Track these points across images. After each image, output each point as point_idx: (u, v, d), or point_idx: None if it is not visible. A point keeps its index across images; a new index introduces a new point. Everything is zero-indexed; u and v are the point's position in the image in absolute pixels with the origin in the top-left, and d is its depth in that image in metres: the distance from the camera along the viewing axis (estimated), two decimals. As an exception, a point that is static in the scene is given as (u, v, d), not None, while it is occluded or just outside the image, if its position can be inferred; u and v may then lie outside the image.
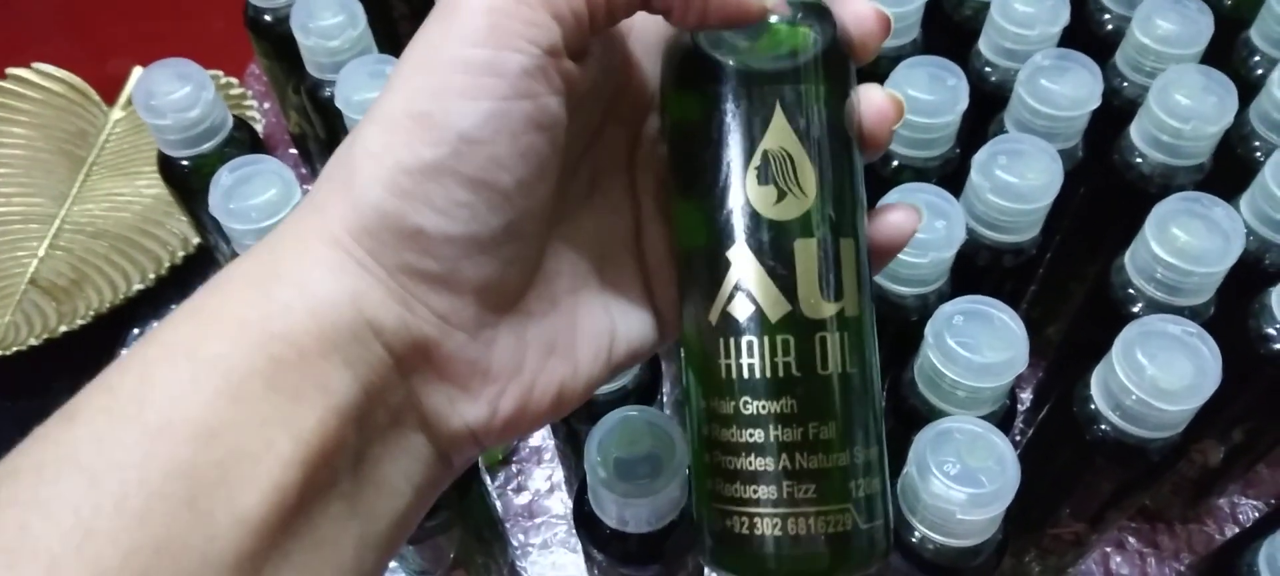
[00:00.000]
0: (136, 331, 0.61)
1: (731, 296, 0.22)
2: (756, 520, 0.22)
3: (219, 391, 0.18)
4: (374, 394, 0.20)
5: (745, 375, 0.22)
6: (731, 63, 0.22)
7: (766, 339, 0.22)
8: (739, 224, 0.22)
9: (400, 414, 0.21)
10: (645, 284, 0.25)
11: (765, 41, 0.22)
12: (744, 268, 0.22)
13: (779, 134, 0.22)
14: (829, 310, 0.22)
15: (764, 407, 0.22)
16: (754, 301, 0.22)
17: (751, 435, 0.22)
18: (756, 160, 0.22)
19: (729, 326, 0.22)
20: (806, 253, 0.22)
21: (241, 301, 0.19)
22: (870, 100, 0.23)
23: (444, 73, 0.20)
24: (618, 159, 0.25)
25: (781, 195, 0.22)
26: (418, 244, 0.20)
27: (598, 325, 0.24)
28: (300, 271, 0.20)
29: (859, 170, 0.23)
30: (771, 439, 0.22)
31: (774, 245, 0.22)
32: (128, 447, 0.17)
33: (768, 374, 0.22)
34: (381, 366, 0.20)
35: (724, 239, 0.22)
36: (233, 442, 0.18)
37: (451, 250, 0.20)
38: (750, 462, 0.22)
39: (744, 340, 0.22)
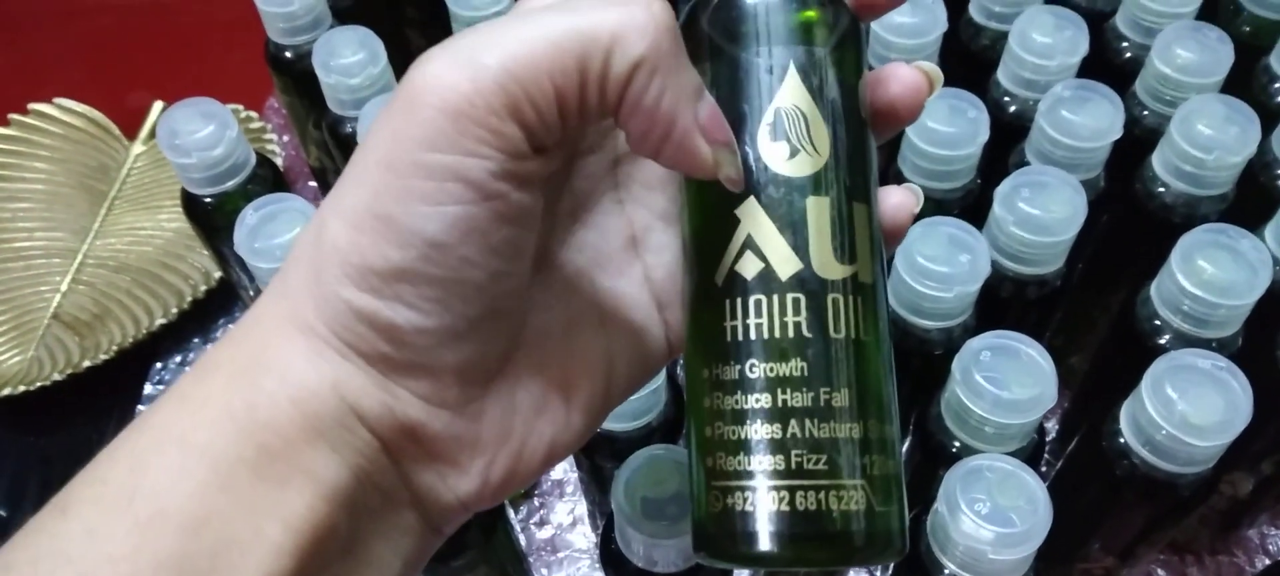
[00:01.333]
0: (159, 365, 0.61)
1: (740, 254, 0.21)
2: (758, 495, 0.20)
3: (207, 481, 0.18)
4: (364, 478, 0.20)
5: (752, 336, 0.21)
6: (745, 21, 0.22)
7: (776, 298, 0.21)
8: (750, 180, 0.21)
9: (392, 495, 0.21)
10: (649, 297, 0.24)
11: (780, 3, 0.22)
12: (754, 223, 0.21)
13: (793, 92, 0.21)
14: (842, 271, 0.21)
15: (772, 370, 0.20)
16: (763, 259, 0.21)
17: (757, 400, 0.20)
18: (769, 117, 0.21)
19: (736, 286, 0.21)
20: (820, 210, 0.21)
21: (227, 389, 0.19)
22: (900, 76, 0.23)
23: (406, 175, 0.19)
24: (598, 181, 0.24)
25: (794, 152, 0.21)
26: (392, 336, 0.20)
27: (593, 368, 0.23)
28: (281, 360, 0.20)
29: (872, 144, 0.23)
30: (779, 403, 0.20)
31: (786, 201, 0.21)
32: (118, 539, 0.17)
33: (776, 333, 0.20)
34: (369, 451, 0.20)
35: (733, 197, 0.21)
36: (222, 532, 0.18)
37: (427, 340, 0.20)
38: (755, 431, 0.20)
39: (752, 299, 0.21)
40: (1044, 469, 0.51)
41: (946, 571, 0.34)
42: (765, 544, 0.20)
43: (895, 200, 0.23)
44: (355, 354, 0.20)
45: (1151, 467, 0.36)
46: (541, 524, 0.53)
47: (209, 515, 0.18)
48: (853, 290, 0.21)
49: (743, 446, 0.20)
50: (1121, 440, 0.37)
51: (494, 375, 0.22)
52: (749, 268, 0.21)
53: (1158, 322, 0.40)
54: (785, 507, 0.20)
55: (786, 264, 0.21)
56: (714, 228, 0.22)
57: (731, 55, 0.22)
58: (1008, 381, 0.35)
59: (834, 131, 0.21)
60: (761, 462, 0.20)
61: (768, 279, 0.21)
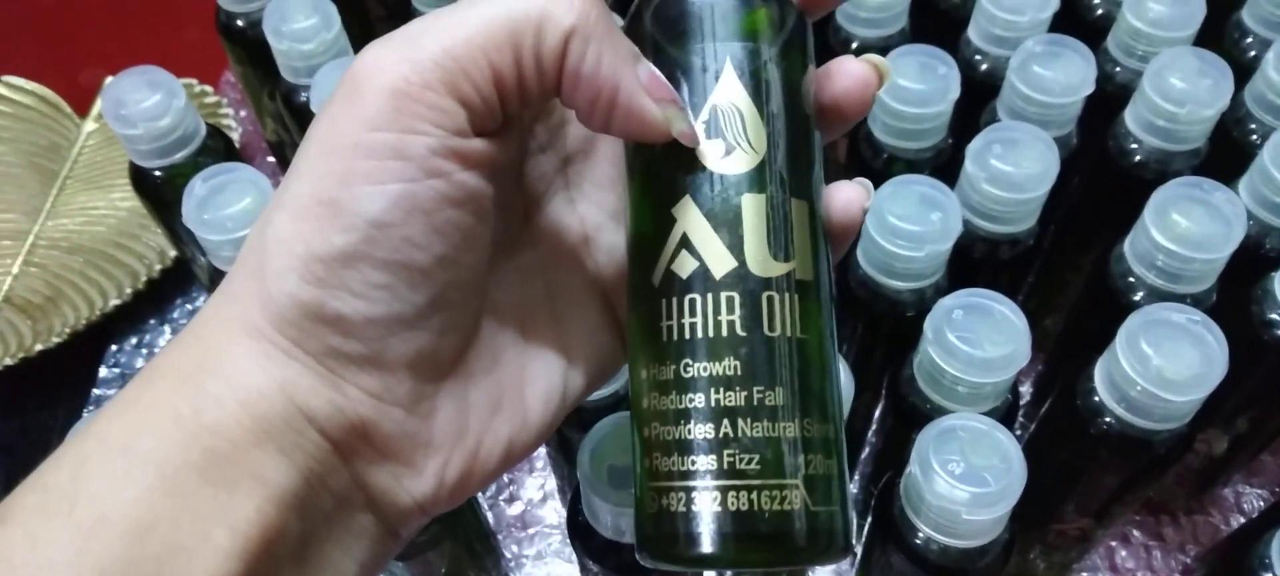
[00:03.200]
0: (115, 348, 0.59)
1: (675, 254, 0.21)
2: (694, 495, 0.20)
3: (153, 486, 0.18)
4: (314, 480, 0.20)
5: (686, 335, 0.21)
6: (684, 19, 0.21)
7: (710, 296, 0.20)
8: (685, 179, 0.21)
9: (345, 497, 0.21)
10: (603, 297, 0.24)
11: (720, 1, 0.22)
12: (689, 222, 0.21)
13: (729, 89, 0.21)
14: (778, 269, 0.21)
15: (705, 369, 0.20)
16: (698, 257, 0.21)
17: (691, 400, 0.20)
18: (705, 115, 0.21)
19: (672, 286, 0.21)
20: (755, 208, 0.21)
21: (173, 394, 0.19)
22: (847, 70, 0.23)
23: (348, 158, 0.19)
24: (550, 178, 0.24)
25: (730, 149, 0.21)
26: (339, 329, 0.20)
27: (549, 367, 0.23)
28: (227, 363, 0.19)
29: (816, 140, 0.22)
30: (712, 403, 0.20)
31: (720, 199, 0.21)
32: (60, 546, 0.17)
33: (710, 332, 0.20)
34: (319, 453, 0.20)
35: (670, 196, 0.21)
36: (168, 537, 0.18)
37: (375, 331, 0.20)
38: (689, 431, 0.20)
39: (687, 299, 0.21)
40: (1019, 431, 0.50)
41: (920, 534, 0.33)
42: (700, 545, 0.20)
43: (845, 196, 0.23)
44: (303, 353, 0.20)
45: (1127, 425, 0.35)
46: (511, 500, 0.52)
47: (154, 521, 0.18)
48: (790, 288, 0.21)
49: (679, 446, 0.20)
50: (1096, 398, 0.36)
51: (446, 372, 0.22)
52: (685, 267, 0.21)
53: (1132, 279, 0.39)
54: (718, 508, 0.20)
55: (721, 262, 0.21)
56: (652, 227, 0.22)
57: (671, 54, 0.22)
58: (980, 340, 0.34)
59: (772, 128, 0.21)
60: (696, 463, 0.20)
61: (703, 278, 0.21)
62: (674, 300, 0.21)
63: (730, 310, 0.20)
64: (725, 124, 0.21)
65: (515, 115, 0.21)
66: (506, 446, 0.23)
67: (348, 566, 0.21)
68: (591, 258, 0.24)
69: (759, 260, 0.21)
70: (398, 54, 0.19)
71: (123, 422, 0.19)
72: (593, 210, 0.24)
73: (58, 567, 0.17)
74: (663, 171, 0.22)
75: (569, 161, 0.24)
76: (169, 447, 0.18)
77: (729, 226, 0.21)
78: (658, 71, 0.21)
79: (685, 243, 0.21)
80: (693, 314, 0.21)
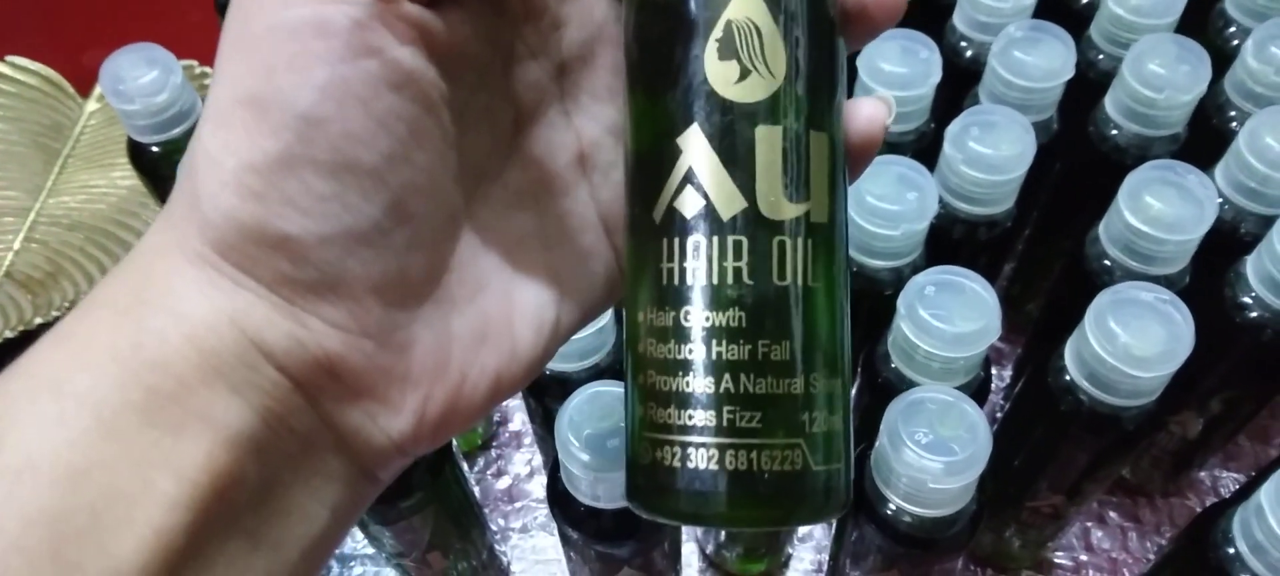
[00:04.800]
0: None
1: (679, 189, 0.19)
2: (690, 451, 0.19)
3: (88, 429, 0.16)
4: (274, 421, 0.18)
5: (689, 281, 0.19)
6: None
7: (716, 239, 0.19)
8: (694, 105, 0.19)
9: (311, 438, 0.19)
10: (599, 220, 0.22)
11: None
12: (696, 155, 0.19)
13: (747, 2, 0.19)
14: (792, 211, 0.19)
15: (708, 319, 0.19)
16: (704, 195, 0.19)
17: (691, 351, 0.19)
18: (718, 32, 0.19)
19: (674, 224, 0.19)
20: (769, 142, 0.19)
21: (111, 328, 0.17)
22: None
23: (265, 46, 0.17)
24: (542, 88, 0.21)
25: (744, 73, 0.19)
26: (289, 251, 0.17)
27: (540, 296, 0.21)
28: (170, 295, 0.17)
29: (841, 58, 0.20)
30: (713, 356, 0.19)
31: (732, 130, 0.19)
32: None
33: (714, 280, 0.19)
34: (278, 391, 0.18)
35: (676, 123, 0.19)
36: (104, 484, 0.16)
37: (330, 252, 0.18)
38: (687, 383, 0.19)
39: (690, 240, 0.19)
40: (997, 414, 0.51)
41: (891, 504, 0.34)
42: (694, 503, 0.19)
43: (866, 113, 0.21)
44: (253, 280, 0.18)
45: (1096, 401, 0.36)
46: (499, 474, 0.53)
47: (89, 466, 0.16)
48: (804, 232, 0.19)
49: (675, 398, 0.19)
50: (1066, 376, 0.37)
51: (422, 297, 0.20)
52: (689, 205, 0.19)
53: (1107, 262, 0.40)
54: (715, 466, 0.18)
55: (730, 202, 0.19)
56: (654, 157, 0.20)
57: None
58: (952, 315, 0.35)
59: (793, 48, 0.19)
60: (693, 417, 0.19)
61: (708, 218, 0.19)
62: (676, 241, 0.19)
63: (737, 256, 0.19)
64: (741, 43, 0.19)
65: None
66: (494, 379, 0.21)
67: (318, 512, 0.19)
68: (587, 178, 0.22)
69: (771, 202, 0.19)
70: None
71: (55, 359, 0.17)
72: (590, 125, 0.22)
73: None
74: (668, 94, 0.19)
75: (564, 70, 0.22)
76: (106, 386, 0.16)
77: (740, 162, 0.19)
78: None
79: (690, 177, 0.19)
80: (696, 257, 0.19)
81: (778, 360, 0.19)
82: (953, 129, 0.40)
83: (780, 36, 0.19)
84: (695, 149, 0.19)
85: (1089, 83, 0.46)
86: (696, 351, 0.19)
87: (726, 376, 0.19)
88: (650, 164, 0.20)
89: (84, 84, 0.69)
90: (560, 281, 0.22)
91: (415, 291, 0.19)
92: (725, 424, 0.19)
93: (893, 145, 0.44)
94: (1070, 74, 0.42)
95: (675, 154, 0.19)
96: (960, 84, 0.46)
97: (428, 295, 0.20)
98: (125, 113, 0.44)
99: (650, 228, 0.20)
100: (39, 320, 0.57)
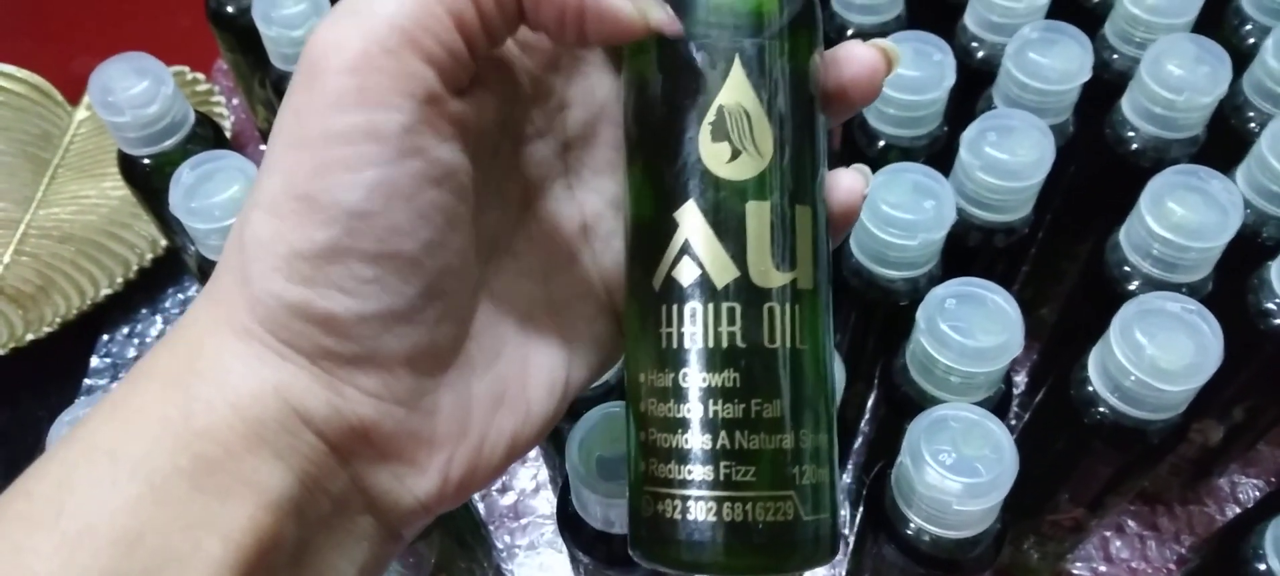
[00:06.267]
0: (106, 337, 0.59)
1: (677, 260, 0.21)
2: (689, 504, 0.20)
3: (141, 494, 0.17)
4: (311, 484, 0.19)
5: (686, 344, 0.20)
6: (691, 14, 0.21)
7: (711, 306, 0.20)
8: (689, 182, 0.21)
9: (344, 500, 0.20)
10: (602, 286, 0.24)
11: None
12: (692, 229, 0.21)
13: (737, 89, 0.20)
14: (780, 279, 0.21)
15: (704, 380, 0.20)
16: (700, 265, 0.20)
17: (689, 410, 0.20)
18: (711, 116, 0.21)
19: (672, 292, 0.21)
20: (759, 216, 0.20)
21: (161, 399, 0.18)
22: (855, 56, 0.22)
23: (319, 147, 0.18)
24: (548, 164, 0.23)
25: (736, 154, 0.20)
26: (332, 329, 0.19)
27: (552, 358, 0.23)
28: (219, 365, 0.19)
29: (821, 136, 0.22)
30: (710, 415, 0.20)
31: (725, 206, 0.20)
32: (44, 557, 0.17)
33: (710, 343, 0.20)
34: (316, 456, 0.19)
35: (673, 198, 0.21)
36: (157, 547, 0.17)
37: (369, 329, 0.19)
38: (686, 440, 0.20)
39: (687, 307, 0.20)
40: (1013, 422, 0.50)
41: (912, 525, 0.33)
42: (694, 553, 0.20)
43: (846, 184, 0.22)
44: (296, 353, 0.19)
45: (1120, 415, 0.35)
46: (504, 490, 0.52)
47: (143, 530, 0.17)
48: (791, 298, 0.21)
49: (674, 454, 0.20)
50: (1090, 388, 0.36)
51: (446, 365, 0.21)
52: (686, 274, 0.21)
53: (1127, 268, 0.39)
54: (712, 518, 0.20)
55: (723, 272, 0.20)
56: (653, 229, 0.21)
57: (676, 50, 0.21)
58: (973, 329, 0.34)
59: (779, 129, 0.21)
60: (691, 472, 0.20)
61: (704, 287, 0.20)
62: (674, 308, 0.21)
63: (731, 322, 0.20)
64: (732, 126, 0.20)
65: (485, 54, 0.20)
66: (511, 440, 0.22)
67: (347, 570, 0.20)
68: (591, 247, 0.24)
69: (762, 271, 0.20)
70: (350, 25, 0.18)
71: (109, 428, 0.18)
72: (592, 198, 0.24)
73: None
74: (665, 172, 0.21)
75: (568, 148, 0.24)
76: (158, 454, 0.18)
77: (732, 235, 0.20)
78: None
79: (687, 249, 0.21)
80: (693, 322, 0.20)
81: (769, 417, 0.20)
82: (969, 134, 0.39)
83: (767, 119, 0.21)
84: (691, 222, 0.21)
85: (1104, 83, 0.45)
86: (694, 410, 0.20)
87: (722, 433, 0.20)
88: (649, 235, 0.21)
89: (73, 91, 0.68)
90: (568, 344, 0.23)
91: (442, 360, 0.21)
92: (722, 478, 0.20)
93: (905, 151, 0.43)
94: (1088, 76, 0.41)
95: (672, 227, 0.21)
96: (972, 86, 0.45)
97: (452, 362, 0.21)
98: (115, 125, 0.43)
99: (650, 294, 0.21)
100: (30, 336, 0.55)
